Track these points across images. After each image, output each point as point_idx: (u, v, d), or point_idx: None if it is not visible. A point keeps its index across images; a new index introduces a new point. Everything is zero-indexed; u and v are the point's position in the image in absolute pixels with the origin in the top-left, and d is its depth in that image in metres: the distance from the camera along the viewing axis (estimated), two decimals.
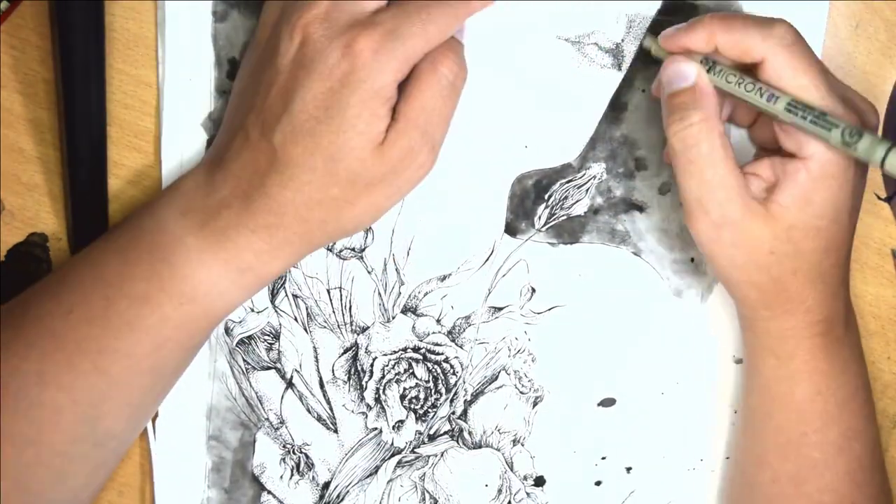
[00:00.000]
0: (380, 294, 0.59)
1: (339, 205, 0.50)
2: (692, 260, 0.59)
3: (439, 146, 0.51)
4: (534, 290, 0.59)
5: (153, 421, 0.59)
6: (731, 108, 0.54)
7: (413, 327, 0.59)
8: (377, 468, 0.60)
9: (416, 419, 0.60)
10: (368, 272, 0.59)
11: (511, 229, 0.58)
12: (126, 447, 0.55)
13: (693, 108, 0.49)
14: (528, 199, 0.58)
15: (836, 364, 0.53)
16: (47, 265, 0.58)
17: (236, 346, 0.59)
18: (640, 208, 0.59)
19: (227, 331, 0.58)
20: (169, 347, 0.52)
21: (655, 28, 0.56)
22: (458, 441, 0.60)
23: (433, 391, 0.60)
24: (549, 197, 0.58)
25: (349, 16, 0.48)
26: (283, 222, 0.50)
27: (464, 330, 0.59)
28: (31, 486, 0.51)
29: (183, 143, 0.56)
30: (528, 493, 0.61)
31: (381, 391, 0.60)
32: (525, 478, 0.61)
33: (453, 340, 0.60)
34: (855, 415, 0.54)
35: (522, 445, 0.61)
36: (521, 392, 0.60)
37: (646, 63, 0.57)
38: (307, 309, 0.59)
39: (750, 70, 0.50)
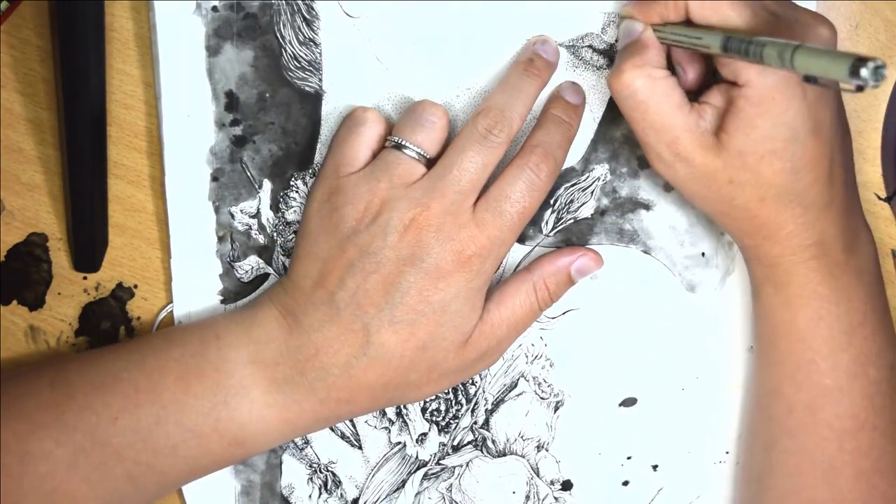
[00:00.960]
0: None
1: (410, 387, 0.53)
2: (703, 255, 0.59)
3: (502, 354, 0.56)
4: None
5: None
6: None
7: None
8: (404, 482, 0.61)
9: (439, 431, 0.60)
10: None
11: (519, 236, 0.58)
12: None
13: (629, 57, 0.50)
14: None
15: (837, 289, 0.52)
16: (47, 265, 0.58)
17: None
18: (647, 206, 0.59)
19: None
20: (199, 474, 0.54)
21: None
22: (482, 450, 0.61)
23: (454, 402, 0.60)
24: (555, 202, 0.58)
25: (457, 217, 0.51)
26: (354, 399, 0.53)
27: None
28: None
29: (188, 181, 0.56)
30: (556, 498, 0.61)
31: (402, 405, 0.60)
32: (552, 483, 0.61)
33: None
34: (867, 340, 0.53)
35: (547, 451, 0.61)
36: (542, 398, 0.60)
37: None
38: None
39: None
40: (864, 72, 0.39)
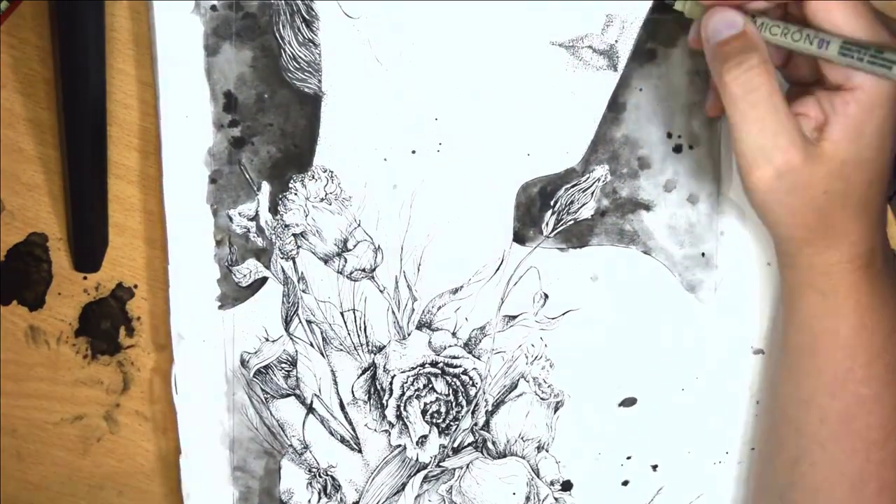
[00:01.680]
0: (393, 312, 0.59)
1: None
2: (703, 255, 0.59)
3: None
4: (547, 297, 0.59)
5: (178, 455, 0.59)
6: None
7: (429, 342, 0.59)
8: (404, 485, 0.61)
9: (439, 433, 0.60)
10: (380, 291, 0.58)
11: (519, 238, 0.58)
12: None
13: (749, 50, 0.48)
14: (535, 207, 0.58)
15: (878, 297, 0.52)
16: (47, 265, 0.58)
17: (253, 376, 0.59)
18: (647, 207, 0.59)
19: (243, 363, 0.58)
20: None
21: (648, 27, 0.56)
22: (482, 452, 0.60)
23: (454, 404, 0.60)
24: (555, 203, 0.58)
25: None
26: None
27: (480, 341, 0.59)
28: None
29: (186, 183, 0.56)
30: (556, 499, 0.61)
31: (402, 408, 0.60)
32: (552, 483, 0.61)
33: (470, 352, 0.59)
34: None
35: (547, 451, 0.61)
36: (542, 398, 0.60)
37: (641, 62, 0.57)
38: (322, 333, 0.59)
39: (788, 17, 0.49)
40: None
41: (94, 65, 0.54)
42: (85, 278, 0.58)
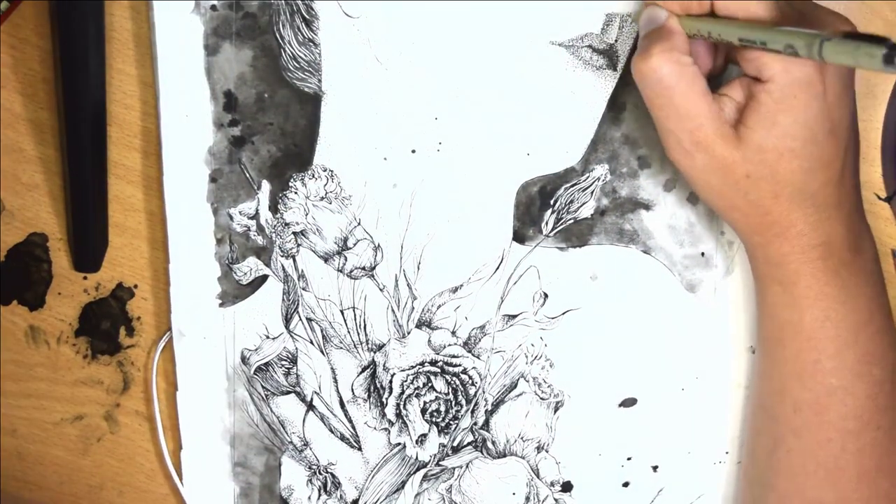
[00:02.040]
0: (393, 310, 0.59)
1: None
2: (702, 254, 0.59)
3: None
4: (546, 296, 0.59)
5: (179, 453, 0.60)
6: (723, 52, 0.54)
7: (429, 341, 0.59)
8: (403, 483, 0.61)
9: (439, 432, 0.60)
10: (380, 290, 0.59)
11: (519, 237, 0.58)
12: None
13: (656, 42, 0.50)
14: (534, 206, 0.58)
15: (844, 289, 0.52)
16: (47, 265, 0.58)
17: (254, 373, 0.59)
18: (647, 206, 0.58)
19: (244, 360, 0.59)
20: None
21: None
22: (482, 451, 0.61)
23: (454, 403, 0.60)
24: (555, 202, 0.58)
25: None
26: None
27: (479, 340, 0.60)
28: None
29: (187, 183, 0.56)
30: (556, 500, 0.61)
31: (401, 407, 0.60)
32: (552, 484, 0.61)
33: (470, 351, 0.60)
34: (872, 340, 0.53)
35: (547, 452, 0.61)
36: (542, 398, 0.60)
37: None
38: (322, 331, 0.59)
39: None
40: None
41: (94, 65, 0.54)
42: (85, 278, 0.58)
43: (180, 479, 0.60)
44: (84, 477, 0.61)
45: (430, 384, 0.60)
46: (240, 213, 0.57)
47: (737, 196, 0.51)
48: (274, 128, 0.56)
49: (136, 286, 0.58)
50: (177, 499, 0.61)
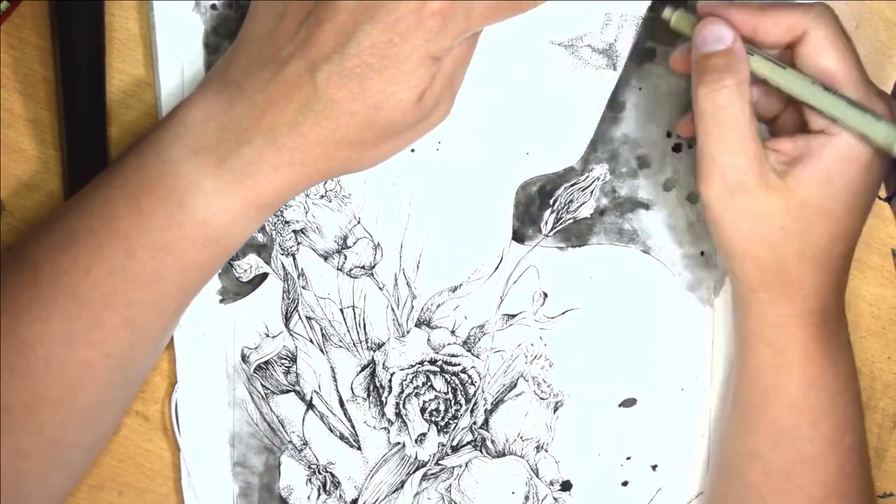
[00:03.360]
0: (393, 309, 0.59)
1: (367, 147, 0.49)
2: (702, 254, 0.59)
3: (457, 94, 0.52)
4: (546, 295, 0.59)
5: (178, 454, 0.60)
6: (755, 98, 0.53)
7: (428, 340, 0.60)
8: (403, 482, 0.61)
9: (438, 431, 0.60)
10: (380, 288, 0.59)
11: (518, 236, 0.58)
12: (146, 375, 0.56)
13: (728, 70, 0.48)
14: (534, 206, 0.58)
15: (829, 356, 0.52)
16: None
17: (254, 372, 0.59)
18: (646, 206, 0.59)
19: (244, 358, 0.59)
20: (193, 287, 0.52)
21: (648, 25, 0.56)
22: (481, 450, 0.61)
23: (453, 402, 0.60)
24: (554, 202, 0.58)
25: None
26: (307, 159, 0.49)
27: (479, 339, 0.60)
28: (66, 438, 0.51)
29: None
30: (555, 499, 0.61)
31: (401, 406, 0.60)
32: (551, 483, 0.61)
33: (469, 350, 0.60)
34: (847, 407, 0.53)
35: (546, 451, 0.61)
36: (541, 398, 0.60)
37: (641, 61, 0.57)
38: (322, 330, 0.59)
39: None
40: None
41: (94, 65, 0.54)
42: None
43: (179, 477, 0.60)
44: (84, 477, 0.61)
45: (429, 383, 0.60)
46: None
47: (763, 247, 0.50)
48: None
49: None
50: (177, 499, 0.61)
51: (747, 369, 0.54)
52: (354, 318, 0.59)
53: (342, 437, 0.60)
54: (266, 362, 0.59)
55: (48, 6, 0.54)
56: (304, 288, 0.58)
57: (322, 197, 0.57)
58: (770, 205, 0.49)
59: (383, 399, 0.60)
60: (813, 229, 0.49)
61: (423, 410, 0.60)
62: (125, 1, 0.55)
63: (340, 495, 0.61)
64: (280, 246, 0.58)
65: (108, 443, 0.59)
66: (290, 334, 0.59)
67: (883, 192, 0.59)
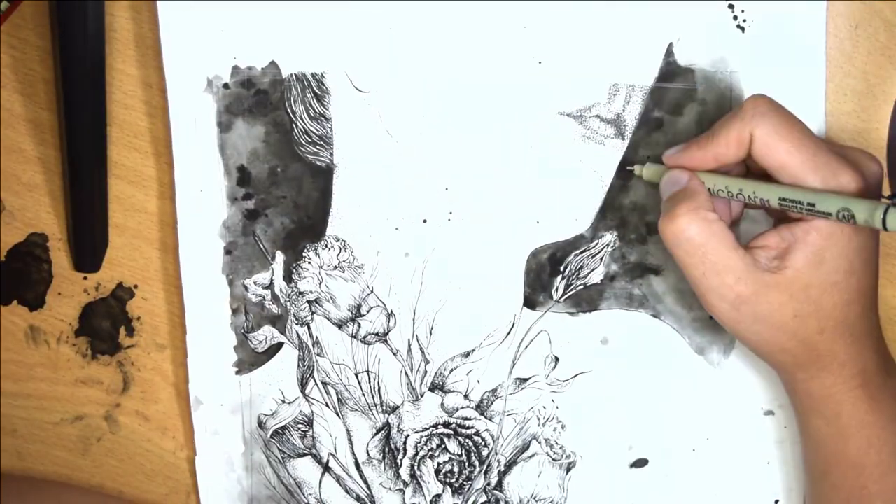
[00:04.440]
0: (406, 374, 0.60)
1: None
2: (711, 318, 0.59)
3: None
4: (557, 360, 0.60)
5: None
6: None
7: (442, 404, 0.60)
8: None
9: (453, 493, 0.61)
10: (394, 354, 0.60)
11: (530, 303, 0.59)
12: None
13: (684, 199, 0.50)
14: (545, 273, 0.59)
15: (883, 414, 0.53)
16: (47, 265, 0.59)
17: (271, 437, 0.60)
18: (656, 271, 0.59)
19: (261, 424, 0.60)
20: None
21: (655, 96, 0.56)
22: None
23: (467, 464, 0.61)
24: (565, 268, 0.59)
25: None
26: None
27: (492, 403, 0.60)
28: None
29: (202, 256, 0.58)
30: None
31: (415, 468, 0.61)
32: None
33: (482, 414, 0.60)
34: None
35: None
36: (554, 459, 0.61)
37: (648, 130, 0.57)
38: (337, 394, 0.60)
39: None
40: None
41: (94, 65, 0.54)
42: (85, 278, 0.59)
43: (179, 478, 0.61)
44: (84, 477, 0.61)
45: (443, 445, 0.61)
46: (255, 283, 0.58)
47: (785, 337, 0.51)
48: (287, 201, 0.57)
49: (136, 286, 0.59)
50: (177, 499, 0.62)
51: (808, 441, 0.55)
52: (369, 382, 0.60)
53: (358, 499, 0.61)
54: (283, 427, 0.60)
55: (48, 6, 0.54)
56: (318, 355, 0.59)
57: (335, 268, 0.58)
58: (775, 301, 0.50)
59: (398, 461, 0.61)
60: (824, 306, 0.50)
61: (437, 472, 0.61)
62: (125, 1, 0.56)
63: None
64: (295, 316, 0.59)
65: (108, 443, 0.60)
66: (307, 399, 0.60)
67: (887, 191, 0.59)
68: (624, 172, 0.58)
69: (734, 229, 0.53)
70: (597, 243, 0.59)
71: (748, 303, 0.50)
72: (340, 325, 0.59)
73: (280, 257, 0.58)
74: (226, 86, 0.56)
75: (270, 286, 0.58)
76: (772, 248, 0.51)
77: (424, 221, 0.58)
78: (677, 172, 0.52)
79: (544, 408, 0.60)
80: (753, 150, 0.50)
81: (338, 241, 0.58)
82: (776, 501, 0.61)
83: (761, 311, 0.50)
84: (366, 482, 0.61)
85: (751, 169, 0.53)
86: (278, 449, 0.60)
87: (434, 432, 0.61)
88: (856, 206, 0.46)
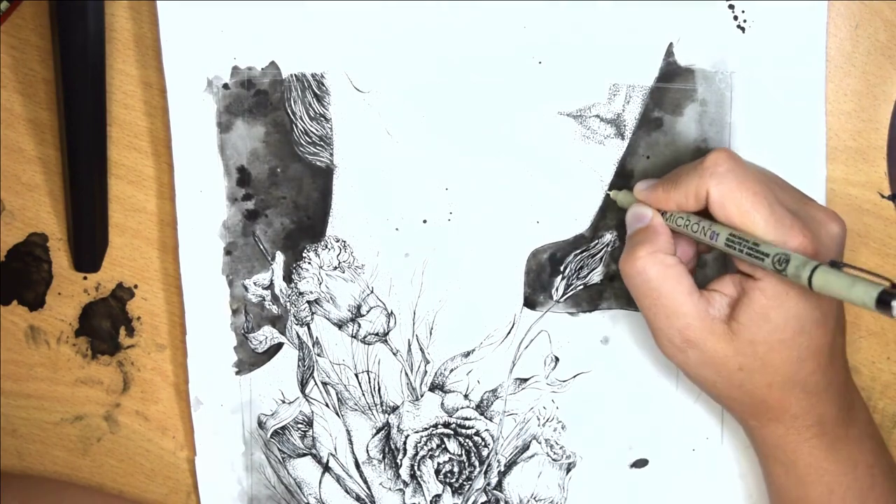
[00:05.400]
0: (406, 374, 0.60)
1: None
2: None
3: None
4: (557, 359, 0.60)
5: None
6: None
7: (442, 404, 0.60)
8: None
9: (453, 493, 0.61)
10: (394, 354, 0.60)
11: (530, 303, 0.59)
12: None
13: (645, 241, 0.51)
14: (545, 273, 0.59)
15: (842, 462, 0.53)
16: (47, 265, 0.59)
17: (271, 437, 0.60)
18: None
19: (261, 424, 0.60)
20: None
21: (655, 95, 0.56)
22: None
23: (467, 464, 0.61)
24: (565, 268, 0.59)
25: None
26: None
27: (492, 403, 0.60)
28: None
29: (202, 256, 0.58)
30: None
31: (415, 467, 0.61)
32: None
33: (482, 414, 0.60)
34: (879, 500, 0.53)
35: None
36: (554, 459, 0.61)
37: (648, 130, 0.57)
38: (337, 394, 0.60)
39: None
40: (895, 304, 0.39)
41: (94, 65, 0.54)
42: (85, 278, 0.59)
43: (178, 478, 0.61)
44: (84, 477, 0.61)
45: (443, 445, 0.61)
46: (254, 283, 0.58)
47: (731, 387, 0.51)
48: (287, 201, 0.57)
49: (136, 286, 0.59)
50: (176, 498, 0.62)
51: (770, 486, 0.56)
52: (369, 382, 0.60)
53: (358, 499, 0.61)
54: (283, 427, 0.60)
55: (48, 6, 0.55)
56: (318, 355, 0.59)
57: (335, 268, 0.58)
58: (720, 351, 0.50)
59: (398, 461, 0.61)
60: (771, 361, 0.50)
61: (437, 472, 0.61)
62: (125, 1, 0.56)
63: None
64: (294, 317, 0.59)
65: (108, 443, 0.60)
66: (307, 399, 0.60)
67: (886, 191, 0.59)
68: (624, 172, 0.58)
69: (697, 272, 0.53)
70: (597, 243, 0.59)
71: (695, 348, 0.51)
72: (340, 325, 0.59)
73: (280, 258, 0.58)
74: (226, 86, 0.56)
75: (270, 286, 0.58)
76: (726, 294, 0.51)
77: (424, 221, 0.58)
78: (642, 208, 0.53)
79: (544, 408, 0.61)
80: (709, 207, 0.50)
81: (338, 241, 0.58)
82: None
83: (708, 358, 0.51)
84: (366, 482, 0.61)
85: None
86: (278, 449, 0.60)
87: (434, 432, 0.61)
88: (793, 256, 0.46)
